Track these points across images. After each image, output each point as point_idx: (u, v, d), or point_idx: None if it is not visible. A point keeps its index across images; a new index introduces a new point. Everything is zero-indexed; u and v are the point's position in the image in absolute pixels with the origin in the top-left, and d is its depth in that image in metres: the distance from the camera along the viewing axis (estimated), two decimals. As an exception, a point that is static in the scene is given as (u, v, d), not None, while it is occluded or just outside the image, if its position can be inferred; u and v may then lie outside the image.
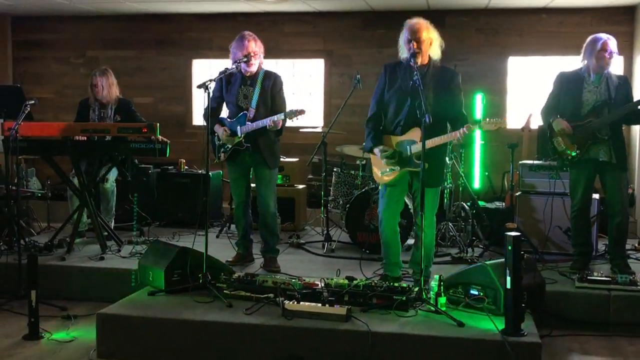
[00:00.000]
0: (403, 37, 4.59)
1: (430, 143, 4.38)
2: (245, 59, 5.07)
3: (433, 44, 4.59)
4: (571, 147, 5.08)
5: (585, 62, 5.07)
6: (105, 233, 5.95)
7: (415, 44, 4.49)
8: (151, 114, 8.19)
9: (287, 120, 5.05)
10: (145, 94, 9.10)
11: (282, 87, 5.33)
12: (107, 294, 5.01)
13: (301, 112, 5.01)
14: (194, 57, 9.18)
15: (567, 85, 5.15)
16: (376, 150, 4.65)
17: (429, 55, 4.61)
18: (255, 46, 5.17)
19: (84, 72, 9.20)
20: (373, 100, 4.77)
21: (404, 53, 4.62)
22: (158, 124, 5.58)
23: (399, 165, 4.61)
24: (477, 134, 7.17)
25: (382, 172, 4.72)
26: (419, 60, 4.50)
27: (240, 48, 5.14)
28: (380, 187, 4.87)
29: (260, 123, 5.09)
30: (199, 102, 8.79)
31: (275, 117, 5.02)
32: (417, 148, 4.47)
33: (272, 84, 5.25)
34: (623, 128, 5.18)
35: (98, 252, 5.70)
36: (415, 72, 4.34)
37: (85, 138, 5.63)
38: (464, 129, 4.34)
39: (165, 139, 5.64)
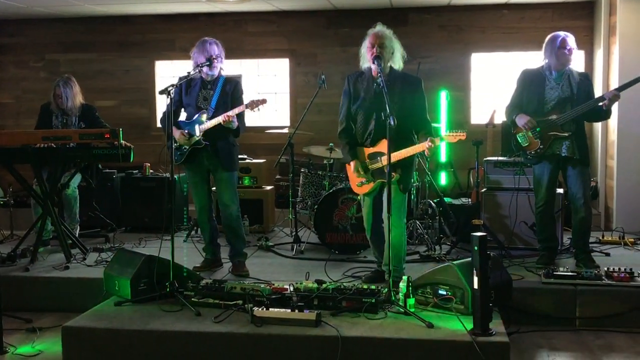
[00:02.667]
0: (365, 44, 4.61)
1: (398, 155, 4.46)
2: (208, 63, 5.02)
3: (395, 54, 4.62)
4: (534, 143, 5.14)
5: (547, 60, 5.13)
6: (70, 241, 5.84)
7: (378, 49, 4.51)
8: (114, 117, 8.07)
9: (250, 111, 4.97)
10: (108, 97, 8.95)
11: (242, 94, 5.26)
12: (73, 304, 4.92)
13: (263, 101, 4.96)
14: (156, 59, 9.05)
15: (530, 82, 5.21)
16: (352, 164, 4.74)
17: (390, 65, 4.63)
18: (217, 50, 5.11)
19: (44, 76, 9.05)
20: (342, 113, 4.82)
21: (365, 62, 4.65)
22: (121, 130, 5.51)
23: (372, 177, 4.72)
24: (442, 130, 7.21)
25: (358, 184, 4.82)
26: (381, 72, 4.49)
27: (202, 52, 5.08)
28: (359, 197, 4.95)
29: (218, 119, 4.99)
30: (163, 104, 8.71)
31: (230, 112, 4.93)
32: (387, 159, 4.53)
33: (233, 89, 5.19)
34: (585, 123, 5.27)
35: (63, 261, 5.59)
36: (379, 75, 4.37)
37: (47, 145, 5.53)
38: (429, 142, 4.41)
39: (128, 144, 5.58)
